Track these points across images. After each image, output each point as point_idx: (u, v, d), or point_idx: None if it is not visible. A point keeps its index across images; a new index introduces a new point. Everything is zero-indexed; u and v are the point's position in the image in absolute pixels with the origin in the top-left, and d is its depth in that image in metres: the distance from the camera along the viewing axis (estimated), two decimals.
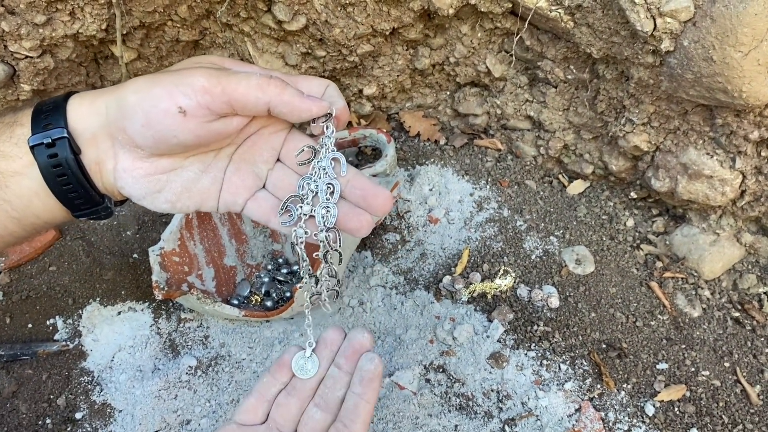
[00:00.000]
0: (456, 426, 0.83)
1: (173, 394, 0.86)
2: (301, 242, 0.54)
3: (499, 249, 0.96)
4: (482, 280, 0.93)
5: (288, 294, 0.95)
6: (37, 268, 0.98)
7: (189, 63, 0.53)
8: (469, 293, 0.92)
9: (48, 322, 0.94)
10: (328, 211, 0.52)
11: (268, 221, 0.54)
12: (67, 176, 0.49)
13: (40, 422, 0.86)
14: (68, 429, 0.86)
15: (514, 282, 0.93)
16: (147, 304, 0.95)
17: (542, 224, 0.99)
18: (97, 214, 0.53)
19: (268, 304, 0.94)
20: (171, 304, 0.95)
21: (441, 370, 0.87)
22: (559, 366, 0.86)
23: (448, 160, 1.06)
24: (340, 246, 0.53)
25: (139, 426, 0.84)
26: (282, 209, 0.53)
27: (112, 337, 0.92)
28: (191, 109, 0.48)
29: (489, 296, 0.92)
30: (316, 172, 0.52)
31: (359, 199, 0.52)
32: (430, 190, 1.02)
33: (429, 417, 0.83)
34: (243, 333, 0.92)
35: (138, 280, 0.97)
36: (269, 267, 0.99)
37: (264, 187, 0.55)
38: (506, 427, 0.82)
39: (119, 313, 0.94)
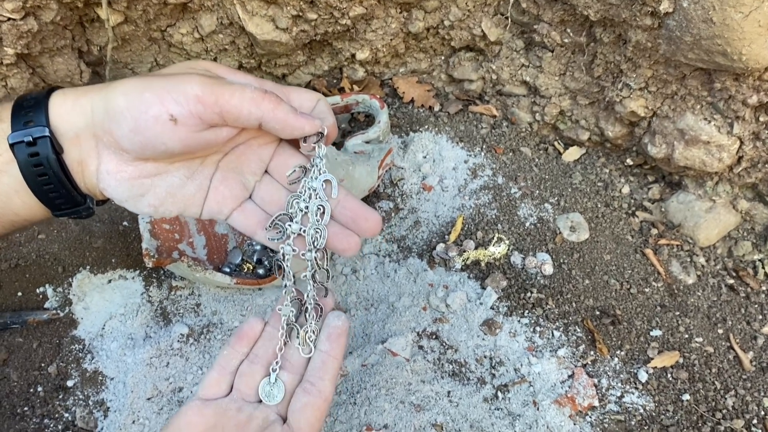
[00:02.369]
0: (449, 392, 0.83)
1: (165, 362, 0.86)
2: (288, 259, 0.55)
3: (493, 216, 0.95)
4: (476, 248, 0.92)
5: None
6: (25, 236, 0.96)
7: (182, 68, 0.52)
8: (463, 261, 0.91)
9: (38, 291, 0.93)
10: (317, 232, 0.53)
11: (254, 234, 0.55)
12: (48, 176, 0.48)
13: (31, 390, 0.86)
14: (60, 396, 0.85)
15: (508, 249, 0.92)
16: (138, 272, 0.94)
17: (537, 191, 0.98)
18: (78, 213, 0.52)
19: (260, 272, 0.93)
20: (162, 272, 0.94)
21: (434, 336, 0.86)
22: (552, 333, 0.85)
23: (443, 126, 1.05)
24: (327, 264, 0.55)
25: (130, 393, 0.83)
26: (270, 225, 0.54)
27: (103, 305, 0.91)
28: (182, 117, 0.46)
29: (482, 264, 0.91)
30: (305, 191, 0.53)
31: (349, 220, 0.53)
32: (424, 157, 1.01)
33: (422, 383, 0.83)
34: (235, 301, 0.92)
35: (128, 248, 0.96)
36: None
37: (251, 197, 0.55)
38: (499, 393, 0.82)
39: (110, 281, 0.93)
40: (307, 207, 0.53)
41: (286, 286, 0.57)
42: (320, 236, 0.53)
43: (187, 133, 0.47)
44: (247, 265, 0.93)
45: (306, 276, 0.56)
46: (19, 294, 0.93)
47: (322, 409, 0.55)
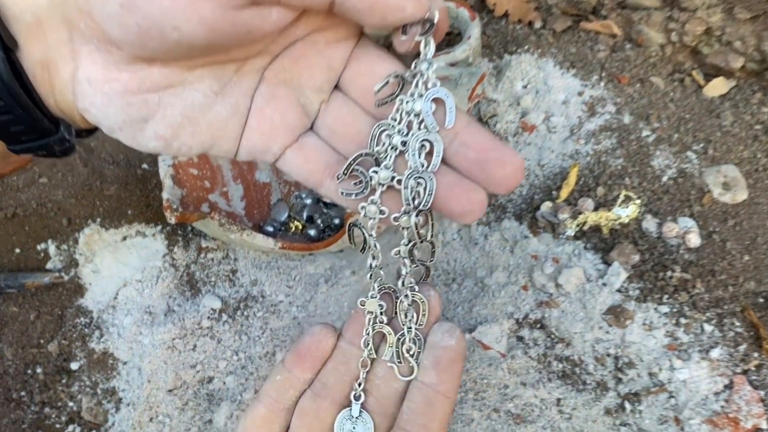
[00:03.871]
0: (558, 399, 0.63)
1: (191, 344, 0.67)
2: (373, 226, 0.36)
3: (619, 167, 0.72)
4: (596, 209, 0.70)
5: (337, 221, 0.74)
6: (24, 180, 0.78)
7: None
8: (578, 226, 0.69)
9: (38, 248, 0.75)
10: (420, 183, 0.34)
11: (318, 184, 0.37)
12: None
13: (29, 371, 0.69)
14: (63, 381, 0.68)
15: (639, 212, 0.69)
16: (159, 227, 0.75)
17: (675, 135, 0.74)
18: (48, 148, 0.35)
19: (312, 233, 0.73)
20: (190, 228, 0.75)
21: (538, 326, 0.66)
22: (702, 326, 0.64)
23: (547, 48, 0.81)
24: (432, 236, 0.36)
25: (147, 383, 0.66)
26: (344, 171, 0.35)
27: (116, 268, 0.73)
28: None
29: (605, 230, 0.69)
30: (402, 117, 0.34)
31: (472, 165, 0.33)
32: (524, 87, 0.78)
33: (522, 386, 0.63)
34: (280, 268, 0.72)
35: (148, 198, 0.77)
36: None
37: (312, 128, 0.37)
38: (627, 404, 0.62)
39: (124, 238, 0.75)
40: (404, 143, 0.34)
41: (372, 267, 0.38)
42: (425, 190, 0.34)
43: (214, 8, 0.28)
44: (295, 223, 0.73)
45: (400, 253, 0.36)
46: (17, 251, 0.75)
47: None
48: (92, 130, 0.37)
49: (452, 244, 0.72)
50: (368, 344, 0.38)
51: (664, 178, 0.72)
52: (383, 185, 0.35)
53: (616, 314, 0.64)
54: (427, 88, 0.33)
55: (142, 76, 0.32)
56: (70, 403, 0.68)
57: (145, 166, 0.79)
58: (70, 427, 0.67)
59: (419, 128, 0.34)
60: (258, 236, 0.65)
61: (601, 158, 0.73)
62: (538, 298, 0.67)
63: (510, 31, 0.83)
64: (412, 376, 0.38)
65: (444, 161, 0.34)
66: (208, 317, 0.69)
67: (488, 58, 0.81)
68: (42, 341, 0.70)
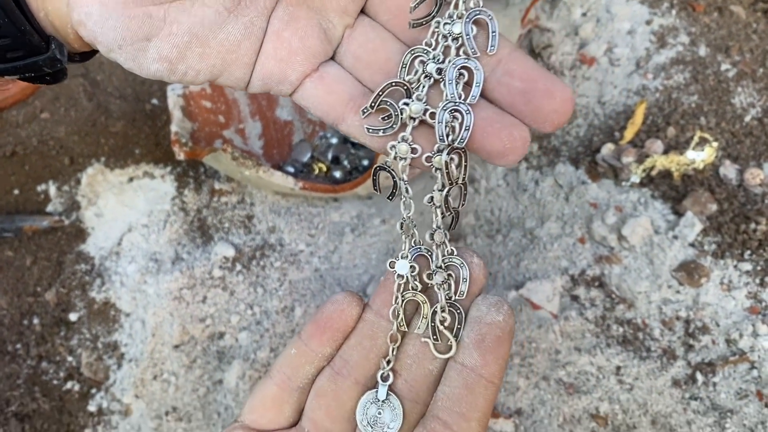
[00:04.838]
0: (618, 368, 0.55)
1: (200, 296, 0.60)
2: (405, 168, 0.31)
3: (693, 105, 0.63)
4: (665, 152, 0.61)
5: (366, 162, 0.66)
6: (24, 115, 0.71)
7: None
8: (644, 171, 0.60)
9: (38, 188, 0.68)
10: (456, 117, 0.30)
11: (340, 119, 0.33)
12: None
13: (25, 321, 0.63)
14: (61, 333, 0.62)
15: (717, 156, 0.60)
16: (169, 168, 0.68)
17: (761, 70, 0.64)
18: (37, 69, 0.31)
19: (337, 175, 0.65)
20: (203, 169, 0.68)
21: (597, 283, 0.57)
22: None
23: None
24: (464, 178, 0.31)
25: (151, 338, 0.59)
26: (372, 104, 0.31)
27: (121, 211, 0.66)
28: None
29: (676, 176, 0.60)
30: (438, 42, 0.31)
31: (516, 96, 0.30)
32: (584, 15, 0.69)
33: (576, 352, 0.55)
34: (301, 215, 0.65)
35: (157, 136, 0.70)
36: None
37: (334, 58, 0.33)
38: (698, 375, 0.53)
39: (131, 179, 0.68)
40: (439, 71, 0.30)
41: (404, 220, 0.32)
42: (461, 125, 0.29)
43: None
44: (319, 165, 0.66)
45: (433, 200, 0.31)
46: (16, 192, 0.69)
47: None
48: (87, 54, 0.33)
49: (497, 191, 0.64)
50: (398, 315, 0.32)
51: (747, 118, 0.62)
52: (415, 120, 0.30)
53: (689, 271, 0.55)
54: (467, 9, 0.30)
55: None
56: (69, 358, 0.62)
57: (154, 101, 0.72)
58: (69, 384, 0.61)
59: (457, 54, 0.30)
60: (276, 174, 0.57)
61: (673, 95, 0.63)
62: (596, 252, 0.58)
63: None
64: (449, 354, 0.32)
65: (483, 94, 0.30)
66: (220, 266, 0.62)
67: None
68: (39, 289, 0.64)
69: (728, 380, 0.53)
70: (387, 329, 0.33)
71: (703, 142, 0.61)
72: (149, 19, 0.29)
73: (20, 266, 0.65)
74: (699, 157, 0.60)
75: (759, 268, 0.55)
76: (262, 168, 0.57)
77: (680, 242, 0.56)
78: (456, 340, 0.31)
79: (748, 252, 0.56)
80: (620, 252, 0.58)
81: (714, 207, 0.58)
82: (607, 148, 0.62)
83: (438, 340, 0.32)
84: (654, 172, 0.60)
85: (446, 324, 0.32)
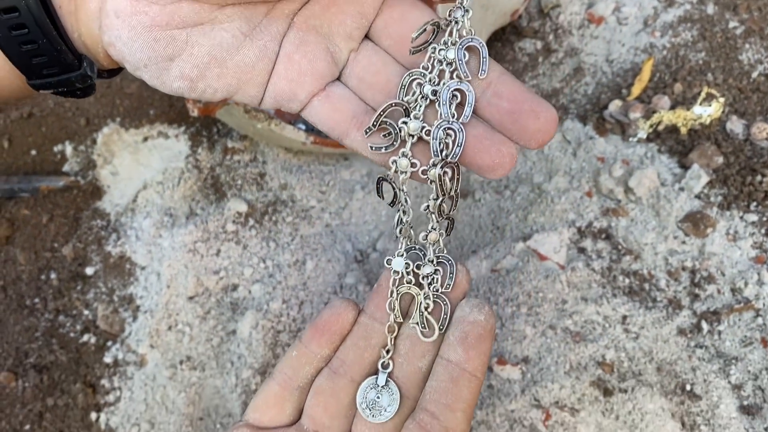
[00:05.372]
0: (624, 317, 0.55)
1: (214, 249, 0.62)
2: (405, 181, 0.35)
3: (700, 62, 0.63)
4: (672, 108, 0.61)
5: None
6: None
7: None
8: (651, 126, 0.61)
9: (55, 149, 0.70)
10: (449, 135, 0.33)
11: (344, 135, 0.36)
12: (21, 13, 0.31)
13: (43, 276, 0.64)
14: (77, 287, 0.63)
15: (723, 111, 0.61)
16: (183, 128, 0.69)
17: None
18: (69, 84, 0.34)
19: None
20: (217, 128, 0.69)
21: (603, 235, 0.58)
22: None
23: None
24: (455, 190, 0.34)
25: (166, 289, 0.60)
26: (374, 123, 0.34)
27: (136, 170, 0.67)
28: None
29: (683, 131, 0.60)
30: (434, 66, 0.34)
31: (504, 116, 0.33)
32: None
33: (583, 302, 0.56)
34: (312, 172, 0.66)
35: (171, 96, 0.71)
36: None
37: (339, 78, 0.37)
38: (704, 324, 0.54)
39: (145, 138, 0.69)
40: (435, 92, 0.34)
41: (401, 222, 0.36)
42: (454, 141, 0.33)
43: None
44: None
45: (428, 208, 0.35)
46: (33, 152, 0.70)
47: None
48: (114, 71, 0.36)
49: None
50: (394, 307, 0.36)
51: (754, 75, 0.62)
52: (413, 136, 0.34)
53: (695, 222, 0.56)
54: (460, 36, 0.33)
55: (171, 11, 0.31)
56: (86, 311, 0.63)
57: None
58: (85, 336, 0.62)
59: (451, 77, 0.33)
60: (288, 127, 0.58)
61: (680, 52, 0.64)
62: (603, 204, 0.59)
63: None
64: (433, 338, 0.36)
65: (475, 113, 0.33)
66: (234, 221, 0.63)
67: None
68: (56, 245, 0.65)
69: (733, 328, 0.54)
70: (380, 331, 0.36)
71: (709, 97, 0.61)
72: (173, 41, 0.32)
73: (37, 224, 0.66)
74: (706, 112, 0.60)
75: (765, 218, 0.56)
76: (274, 121, 0.58)
77: (686, 194, 0.57)
78: (438, 326, 0.35)
79: (755, 203, 0.57)
80: (627, 204, 0.58)
81: (720, 160, 0.58)
82: (615, 105, 0.62)
83: (426, 328, 0.35)
84: (660, 128, 0.61)
85: (430, 310, 0.35)
